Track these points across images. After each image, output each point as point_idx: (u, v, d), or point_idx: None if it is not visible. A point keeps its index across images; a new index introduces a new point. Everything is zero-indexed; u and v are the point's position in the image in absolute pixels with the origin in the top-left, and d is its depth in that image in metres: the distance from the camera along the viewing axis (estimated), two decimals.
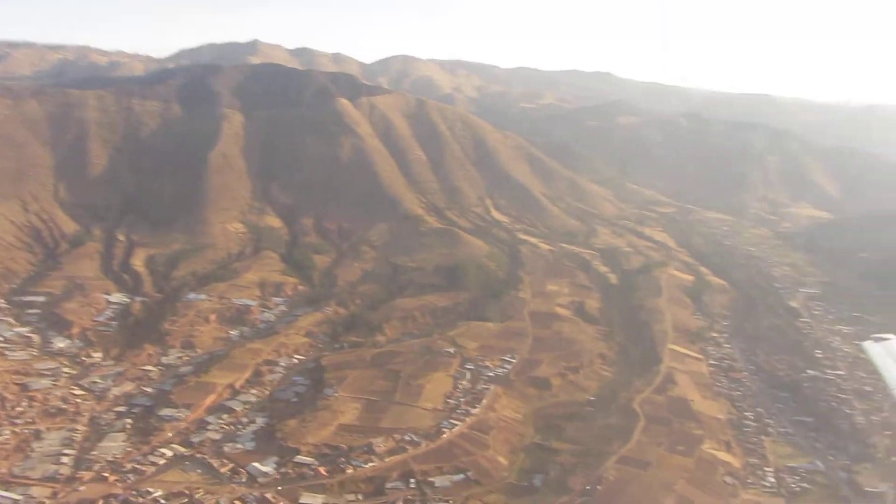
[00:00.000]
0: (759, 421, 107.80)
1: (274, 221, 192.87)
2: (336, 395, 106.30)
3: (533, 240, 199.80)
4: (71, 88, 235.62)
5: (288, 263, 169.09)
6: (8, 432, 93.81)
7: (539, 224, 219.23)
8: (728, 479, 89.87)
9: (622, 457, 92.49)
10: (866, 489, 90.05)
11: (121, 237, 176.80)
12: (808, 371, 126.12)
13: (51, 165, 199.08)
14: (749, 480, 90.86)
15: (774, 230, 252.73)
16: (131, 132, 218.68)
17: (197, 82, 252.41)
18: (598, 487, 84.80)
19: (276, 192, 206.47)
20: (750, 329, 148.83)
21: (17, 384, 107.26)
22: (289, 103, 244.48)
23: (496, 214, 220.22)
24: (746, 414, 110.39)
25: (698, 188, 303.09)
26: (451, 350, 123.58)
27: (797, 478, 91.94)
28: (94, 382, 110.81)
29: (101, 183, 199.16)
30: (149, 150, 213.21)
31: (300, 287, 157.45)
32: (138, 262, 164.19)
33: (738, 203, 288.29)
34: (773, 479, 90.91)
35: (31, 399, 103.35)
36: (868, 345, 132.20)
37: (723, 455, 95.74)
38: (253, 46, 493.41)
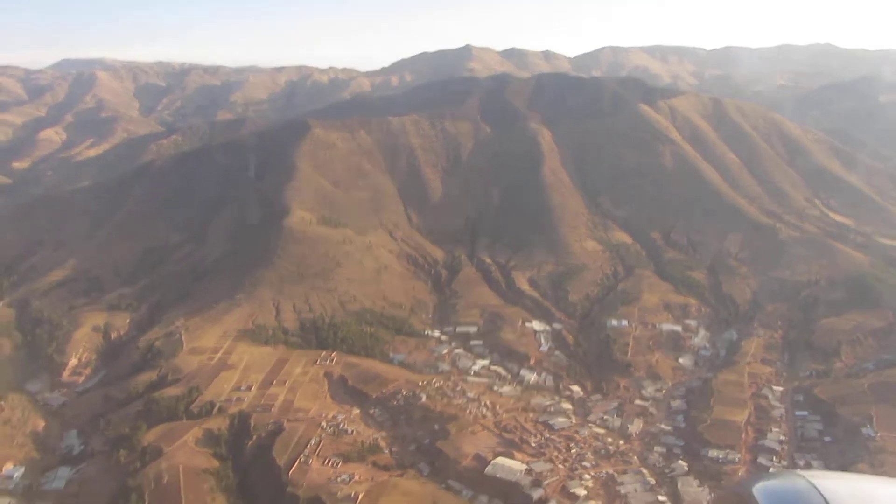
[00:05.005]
0: None
1: (623, 237, 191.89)
2: (878, 434, 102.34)
3: None
4: (326, 115, 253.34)
5: (667, 281, 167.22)
6: (588, 477, 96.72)
7: (883, 224, 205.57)
8: None
9: None
10: None
11: (488, 260, 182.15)
12: None
13: (395, 193, 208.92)
14: None
15: None
16: (452, 154, 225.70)
17: (493, 98, 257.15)
18: None
19: (608, 206, 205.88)
20: None
21: (539, 423, 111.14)
22: (587, 114, 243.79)
23: (835, 216, 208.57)
24: None
25: None
26: None
27: None
28: (604, 419, 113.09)
29: (442, 208, 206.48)
30: (474, 172, 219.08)
31: (703, 308, 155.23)
32: (524, 286, 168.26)
33: None
34: None
35: (569, 439, 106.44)
36: None
37: None
38: (467, 52, 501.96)
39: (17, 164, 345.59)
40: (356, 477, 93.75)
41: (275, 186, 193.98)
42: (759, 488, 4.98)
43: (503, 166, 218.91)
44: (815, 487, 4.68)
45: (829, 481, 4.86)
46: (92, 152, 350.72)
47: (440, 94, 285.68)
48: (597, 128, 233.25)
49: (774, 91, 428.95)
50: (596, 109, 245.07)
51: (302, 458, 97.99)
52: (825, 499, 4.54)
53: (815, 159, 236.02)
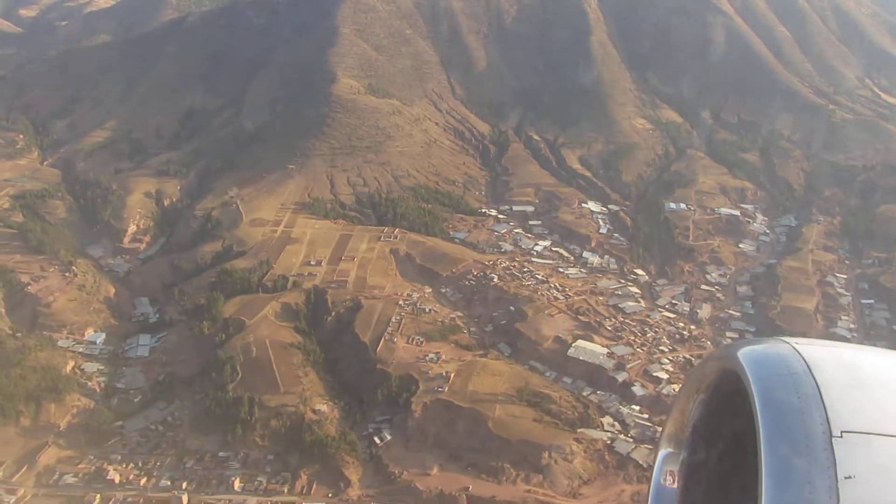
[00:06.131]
0: None
1: (672, 115, 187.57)
2: None
3: None
4: None
5: (720, 164, 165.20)
6: (667, 361, 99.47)
7: None
8: None
9: None
10: None
11: (535, 137, 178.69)
12: None
13: (437, 61, 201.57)
14: None
15: None
16: (495, 21, 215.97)
17: None
18: None
19: (656, 83, 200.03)
20: None
21: (610, 306, 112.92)
22: None
23: (886, 97, 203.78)
24: None
25: None
26: None
27: None
28: (673, 304, 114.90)
29: (486, 78, 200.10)
30: (518, 40, 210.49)
31: (758, 192, 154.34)
32: (575, 164, 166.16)
33: None
34: None
35: (643, 324, 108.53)
36: None
37: None
38: None
39: (24, 12, 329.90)
40: (443, 356, 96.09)
41: (316, 51, 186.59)
42: (742, 352, 5.01)
43: (548, 36, 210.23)
44: (799, 353, 4.69)
45: (814, 348, 4.92)
46: (103, 2, 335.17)
47: None
48: None
49: None
50: None
51: (386, 335, 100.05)
52: (807, 363, 4.55)
53: (867, 35, 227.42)
